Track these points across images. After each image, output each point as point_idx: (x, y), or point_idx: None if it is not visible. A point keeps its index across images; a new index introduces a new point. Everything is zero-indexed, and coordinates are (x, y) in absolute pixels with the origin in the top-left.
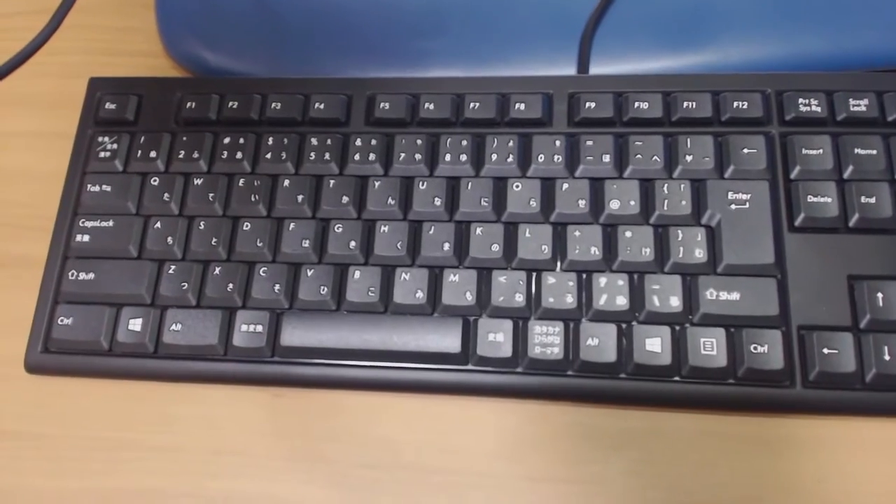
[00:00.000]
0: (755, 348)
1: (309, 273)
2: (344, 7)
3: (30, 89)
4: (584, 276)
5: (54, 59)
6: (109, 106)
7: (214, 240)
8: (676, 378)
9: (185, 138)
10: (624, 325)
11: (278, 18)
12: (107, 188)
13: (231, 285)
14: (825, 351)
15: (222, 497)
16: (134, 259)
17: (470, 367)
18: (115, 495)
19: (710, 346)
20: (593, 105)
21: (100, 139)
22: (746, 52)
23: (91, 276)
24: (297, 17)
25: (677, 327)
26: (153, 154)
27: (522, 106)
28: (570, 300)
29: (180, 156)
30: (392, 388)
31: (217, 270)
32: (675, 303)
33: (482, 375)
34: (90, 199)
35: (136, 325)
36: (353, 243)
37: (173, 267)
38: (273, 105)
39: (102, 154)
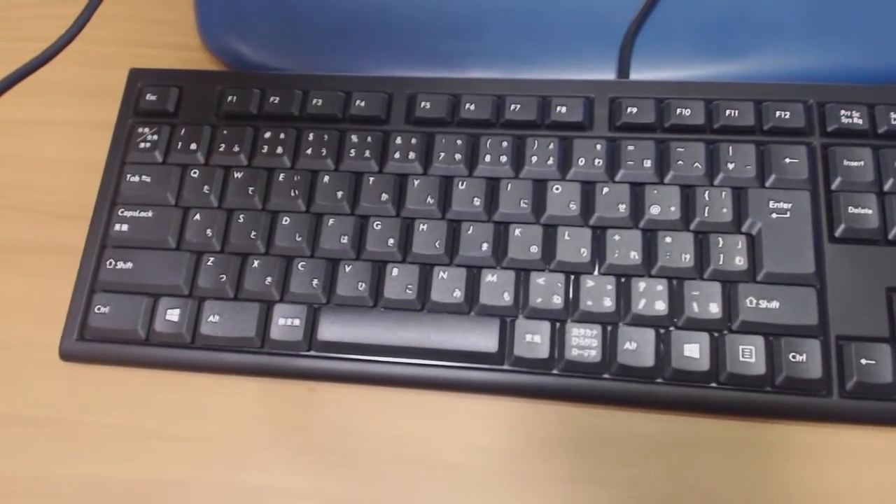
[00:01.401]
0: (793, 357)
1: (347, 269)
2: (382, 6)
3: (67, 78)
4: (623, 280)
5: (91, 48)
6: (150, 97)
7: (253, 233)
8: (714, 384)
9: (225, 132)
10: (662, 331)
11: (316, 15)
12: (146, 179)
13: (269, 279)
14: (863, 361)
15: (252, 489)
16: (172, 250)
17: (506, 367)
18: (142, 485)
19: (748, 354)
20: (635, 110)
21: (140, 130)
22: (786, 62)
23: (129, 265)
24: (335, 15)
25: (716, 334)
26: (193, 146)
27: (563, 109)
28: (608, 304)
29: (220, 149)
30: (427, 385)
31: (255, 263)
32: (715, 309)
33: (518, 376)
34: (129, 189)
35: (173, 315)
36: (391, 241)
37: (212, 259)
38: (314, 101)
39: (142, 145)
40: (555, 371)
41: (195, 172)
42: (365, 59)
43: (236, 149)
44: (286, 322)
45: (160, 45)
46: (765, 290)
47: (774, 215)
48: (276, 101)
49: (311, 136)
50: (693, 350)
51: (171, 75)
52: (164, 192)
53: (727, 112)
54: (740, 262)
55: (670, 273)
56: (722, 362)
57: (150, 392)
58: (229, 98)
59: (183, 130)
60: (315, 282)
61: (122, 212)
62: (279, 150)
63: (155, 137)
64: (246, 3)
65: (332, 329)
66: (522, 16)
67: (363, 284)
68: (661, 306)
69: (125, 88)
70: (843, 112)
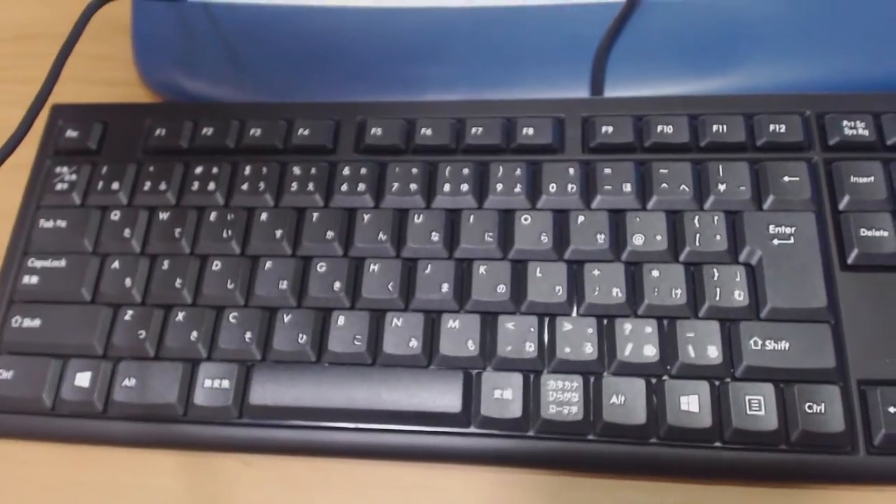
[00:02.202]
0: (810, 407)
1: (286, 319)
2: (333, 31)
3: None
4: (606, 321)
5: (18, 88)
6: (70, 134)
7: (179, 281)
8: (718, 443)
9: (151, 168)
10: (654, 380)
11: (262, 43)
12: (61, 224)
13: (195, 333)
14: (891, 410)
15: None
16: (86, 303)
17: (473, 429)
18: None
19: (756, 405)
20: (610, 129)
21: (57, 170)
22: (777, 74)
23: (37, 322)
24: (282, 43)
25: (717, 382)
26: (115, 186)
27: (531, 131)
28: (589, 350)
29: (145, 188)
30: (381, 455)
31: (180, 316)
32: (714, 353)
33: (487, 440)
34: (42, 236)
35: (83, 379)
36: (337, 284)
37: (130, 312)
38: (252, 132)
39: (59, 186)
40: (530, 433)
41: (115, 215)
42: (313, 86)
43: (163, 187)
44: (213, 384)
45: (97, 81)
46: (771, 328)
47: (776, 241)
48: (209, 133)
49: (247, 170)
50: (691, 403)
51: (97, 110)
52: (80, 238)
53: (714, 128)
54: (740, 296)
55: (660, 312)
56: (726, 416)
57: (60, 470)
58: (157, 132)
59: (105, 169)
60: (248, 335)
61: (33, 262)
62: (211, 186)
63: (73, 178)
64: (184, 34)
65: (266, 391)
66: (486, 34)
67: (304, 336)
68: (650, 351)
69: (45, 125)
70: (845, 123)
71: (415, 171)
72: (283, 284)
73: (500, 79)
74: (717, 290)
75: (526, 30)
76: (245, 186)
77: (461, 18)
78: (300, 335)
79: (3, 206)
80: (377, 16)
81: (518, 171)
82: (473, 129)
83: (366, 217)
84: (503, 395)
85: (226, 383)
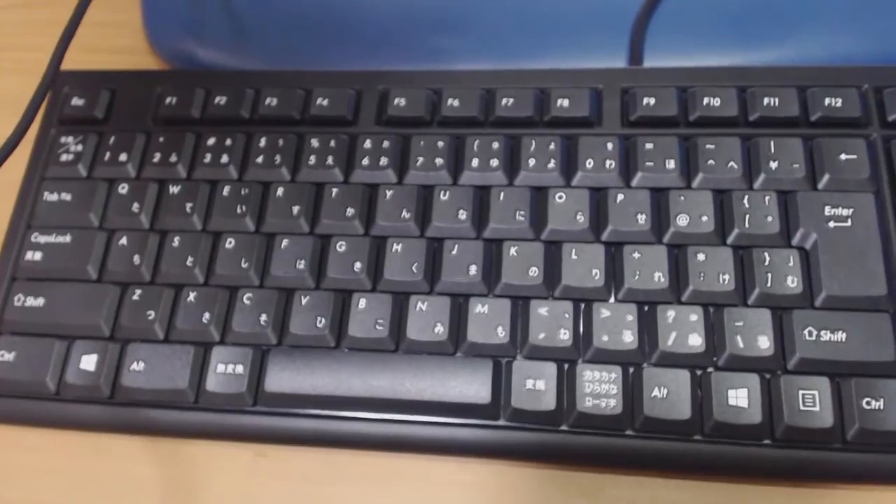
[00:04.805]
0: (868, 403)
1: (303, 301)
2: None
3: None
4: (647, 308)
5: (26, 55)
6: (76, 102)
7: (190, 259)
8: (768, 441)
9: (161, 139)
10: (700, 372)
11: (277, 9)
12: (66, 197)
13: (207, 315)
14: None
15: None
16: (93, 282)
17: (502, 422)
18: None
19: (810, 401)
20: (653, 101)
21: (62, 140)
22: (831, 44)
23: (40, 301)
24: (297, 8)
25: (768, 375)
26: (123, 157)
27: (566, 102)
28: (629, 339)
29: (155, 159)
30: (403, 447)
31: (191, 297)
32: (765, 344)
33: (518, 433)
34: (46, 210)
35: (89, 362)
36: (358, 265)
37: (139, 292)
38: (268, 101)
39: (64, 157)
40: (563, 427)
41: (124, 188)
42: (332, 55)
43: (173, 159)
44: (227, 369)
45: (105, 48)
46: (826, 317)
47: (832, 224)
48: (222, 103)
49: (262, 142)
50: (740, 397)
51: (105, 77)
52: (86, 213)
53: (765, 101)
54: (793, 283)
55: (706, 299)
56: (778, 412)
57: (65, 460)
58: (168, 100)
59: (112, 139)
60: (263, 318)
61: (36, 237)
62: (224, 158)
63: (79, 148)
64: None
65: (283, 377)
66: (517, 0)
67: (323, 320)
68: (696, 341)
69: (50, 93)
70: None
71: (441, 144)
72: (301, 264)
73: (531, 47)
74: (769, 275)
75: None
76: (260, 159)
77: None
78: (318, 318)
79: (4, 178)
80: None
81: (552, 146)
82: (504, 101)
83: (388, 193)
84: (535, 385)
85: (240, 369)
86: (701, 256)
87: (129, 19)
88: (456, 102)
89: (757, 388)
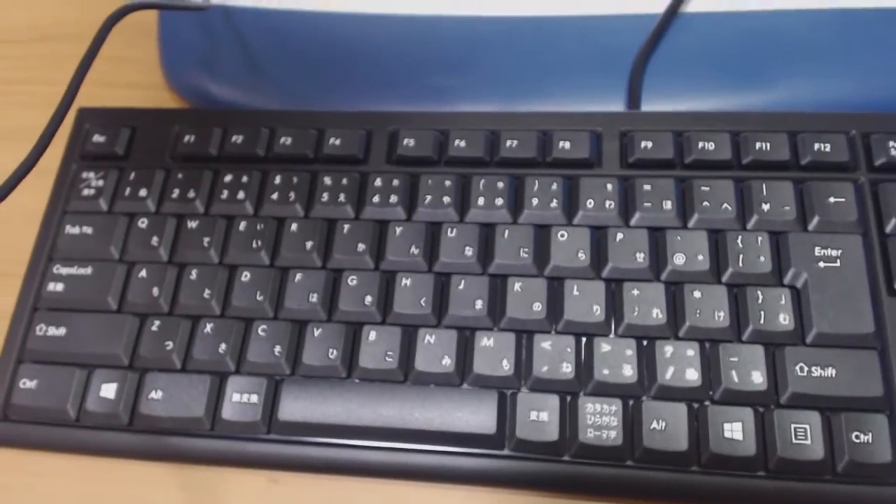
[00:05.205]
0: (857, 437)
1: (316, 333)
2: (362, 39)
3: (15, 122)
4: (646, 343)
5: (43, 88)
6: (98, 138)
7: (208, 292)
8: (762, 473)
9: (180, 175)
10: (696, 405)
11: (291, 49)
12: (88, 230)
13: (224, 346)
14: None
15: None
16: (112, 312)
17: (507, 452)
18: None
19: (802, 434)
20: (650, 145)
21: (84, 175)
22: (820, 90)
23: (62, 331)
24: (310, 50)
25: (761, 409)
26: (143, 192)
27: (567, 144)
28: (629, 373)
29: (174, 195)
30: (411, 475)
31: (208, 328)
32: (759, 379)
33: (522, 463)
34: (68, 243)
35: (109, 390)
36: (368, 298)
37: (157, 322)
38: (282, 140)
39: (86, 192)
40: (566, 457)
41: (143, 222)
42: (341, 95)
43: (191, 194)
44: (242, 398)
45: (121, 84)
46: (817, 354)
47: (822, 264)
48: (239, 141)
49: (277, 179)
50: (735, 430)
51: (124, 115)
52: (106, 246)
53: (758, 145)
54: (785, 320)
55: (702, 335)
56: (771, 445)
57: (83, 484)
58: (186, 138)
59: (132, 175)
60: (277, 349)
61: (58, 269)
62: (241, 195)
63: (101, 183)
64: (212, 38)
65: (296, 406)
66: (520, 45)
67: (335, 351)
68: (692, 375)
69: (72, 129)
70: (891, 143)
71: (448, 183)
72: (314, 297)
73: (533, 90)
74: (762, 313)
75: (560, 41)
76: (275, 196)
77: (494, 28)
78: (330, 350)
79: (28, 210)
80: (407, 24)
81: (554, 186)
82: (508, 142)
83: (398, 230)
84: (539, 416)
85: (254, 398)
86: (697, 294)
87: (144, 55)
88: (463, 143)
89: (751, 421)
